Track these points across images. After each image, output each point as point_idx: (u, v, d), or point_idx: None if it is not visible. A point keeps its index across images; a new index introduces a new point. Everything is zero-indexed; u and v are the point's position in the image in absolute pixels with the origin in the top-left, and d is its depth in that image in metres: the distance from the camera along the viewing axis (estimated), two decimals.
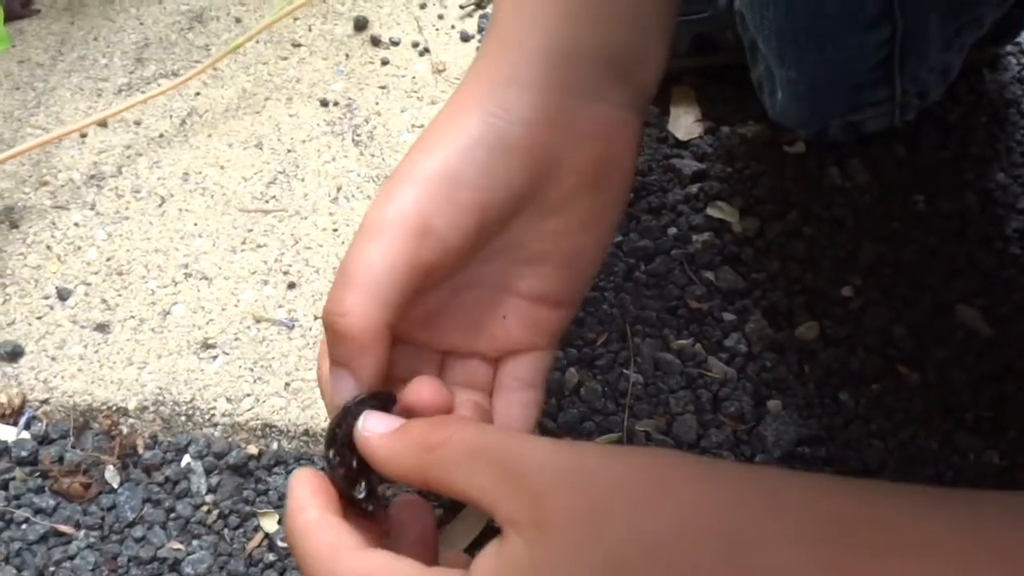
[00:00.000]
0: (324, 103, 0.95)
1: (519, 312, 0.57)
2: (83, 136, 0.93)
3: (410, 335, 0.56)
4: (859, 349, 0.77)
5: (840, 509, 0.38)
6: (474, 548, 0.67)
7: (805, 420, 0.74)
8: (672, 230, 0.84)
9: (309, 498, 0.48)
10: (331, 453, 0.50)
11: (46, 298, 0.82)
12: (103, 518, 0.71)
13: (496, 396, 0.59)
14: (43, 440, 0.75)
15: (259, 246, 0.85)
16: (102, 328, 0.80)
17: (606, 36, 0.54)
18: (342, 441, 0.49)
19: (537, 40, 0.53)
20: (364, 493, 0.49)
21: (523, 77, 0.52)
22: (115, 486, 0.73)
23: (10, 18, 1.01)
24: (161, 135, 0.93)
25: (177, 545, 0.70)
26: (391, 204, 0.50)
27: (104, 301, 0.82)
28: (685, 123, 0.92)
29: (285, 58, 0.99)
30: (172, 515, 0.71)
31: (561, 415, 0.74)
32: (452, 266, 0.52)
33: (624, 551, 0.39)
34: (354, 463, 0.49)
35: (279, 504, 0.71)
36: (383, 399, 0.51)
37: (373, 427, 0.48)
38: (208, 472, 0.73)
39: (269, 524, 0.71)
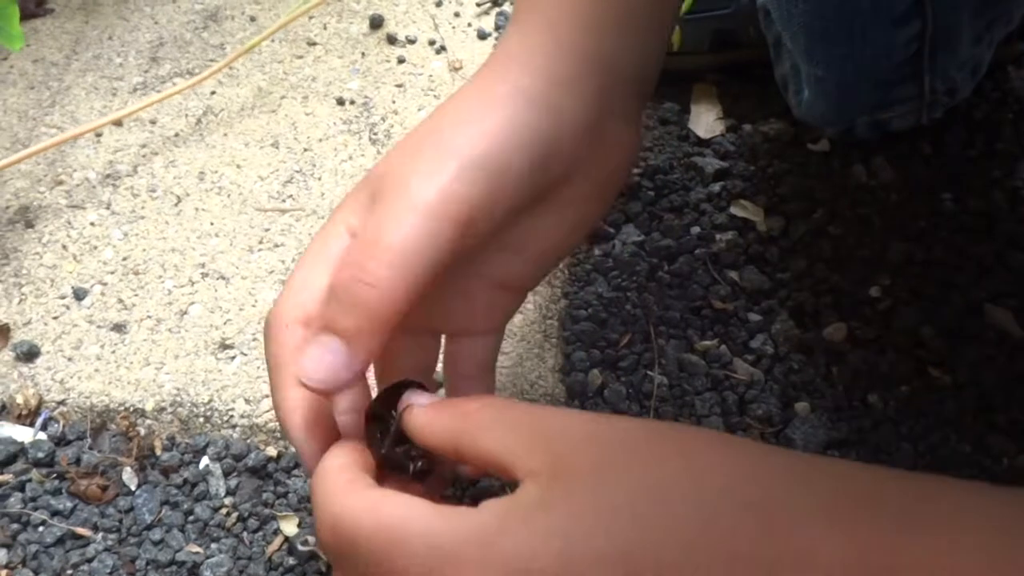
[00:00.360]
0: (340, 102, 0.94)
1: (481, 296, 0.56)
2: (98, 135, 0.92)
3: None
4: (888, 350, 0.76)
5: (868, 485, 0.38)
6: None
7: (834, 423, 0.73)
8: (695, 229, 0.83)
9: (341, 454, 0.47)
10: (371, 428, 0.49)
11: (62, 298, 0.81)
12: (121, 520, 0.70)
13: (457, 380, 0.58)
14: (60, 441, 0.74)
15: (276, 246, 0.84)
16: (119, 328, 0.79)
17: (640, 56, 0.54)
18: (380, 415, 0.49)
19: (592, 48, 0.52)
20: (404, 457, 0.49)
21: (580, 88, 0.51)
22: (133, 488, 0.72)
23: (24, 17, 1.00)
24: (177, 134, 0.92)
25: (196, 548, 0.69)
26: (440, 182, 0.47)
27: (121, 301, 0.81)
28: (706, 121, 0.91)
29: (300, 56, 0.98)
30: (190, 518, 0.70)
31: None
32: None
33: (636, 498, 0.38)
34: (393, 435, 0.49)
35: (299, 507, 0.70)
36: (420, 387, 0.51)
37: (417, 400, 0.48)
38: (227, 474, 0.72)
39: (289, 527, 0.69)
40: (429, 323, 0.56)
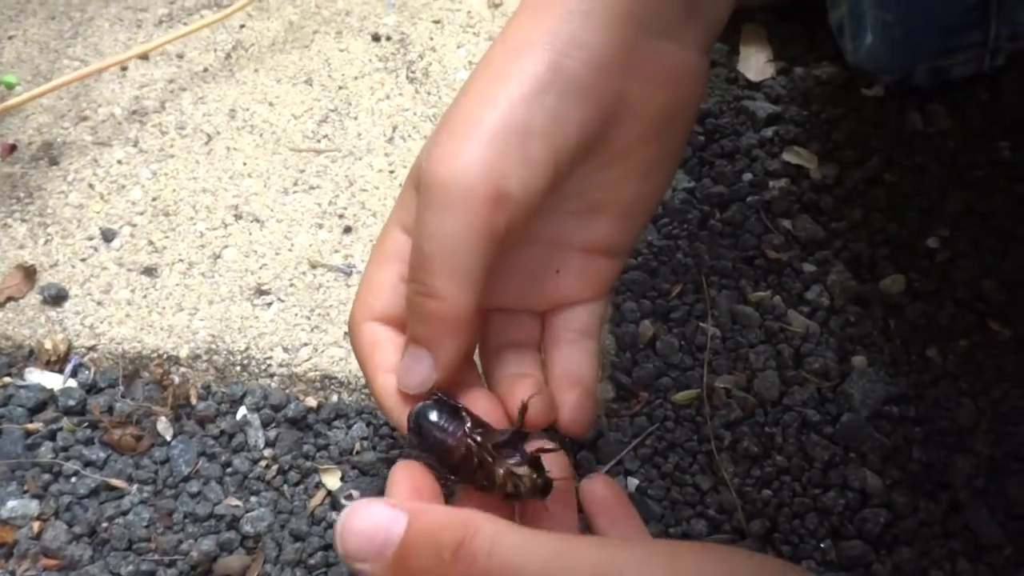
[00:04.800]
0: (376, 37, 0.90)
1: (573, 266, 0.54)
2: (123, 69, 0.89)
3: None
4: (947, 303, 0.73)
5: None
6: None
7: (892, 378, 0.70)
8: (747, 176, 0.80)
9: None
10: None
11: (90, 239, 0.78)
12: (156, 472, 0.68)
13: (552, 349, 0.55)
14: (91, 389, 0.72)
15: (312, 187, 0.81)
16: (149, 271, 0.76)
17: None
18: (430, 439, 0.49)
19: None
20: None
21: (597, 11, 0.47)
22: (168, 438, 0.69)
23: None
24: (205, 69, 0.89)
25: (235, 502, 0.67)
26: (459, 165, 0.46)
27: (151, 243, 0.78)
28: (756, 63, 0.87)
29: None
30: (229, 470, 0.68)
31: (636, 369, 0.71)
32: (525, 226, 0.49)
33: None
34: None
35: (340, 460, 0.68)
36: (452, 408, 0.49)
37: (352, 531, 0.41)
38: (265, 425, 0.70)
39: (331, 481, 0.67)
40: (524, 303, 0.55)
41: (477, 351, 0.57)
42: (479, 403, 0.51)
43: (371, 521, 0.40)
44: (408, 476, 0.47)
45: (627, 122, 0.49)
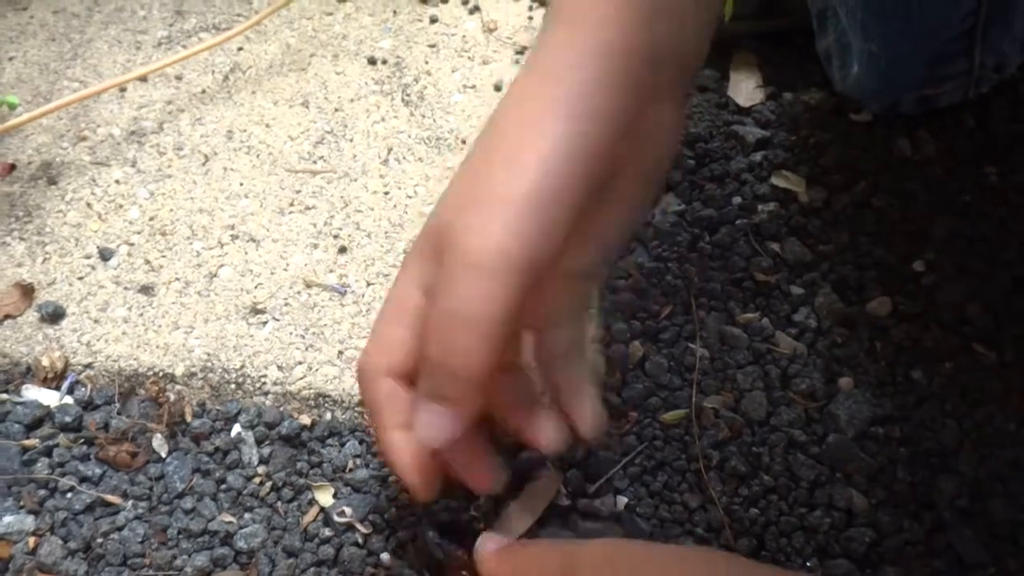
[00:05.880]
0: (372, 61, 0.92)
1: (564, 290, 0.56)
2: (122, 90, 0.90)
3: None
4: (932, 326, 0.74)
5: None
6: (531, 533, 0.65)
7: (878, 399, 0.71)
8: (736, 199, 0.81)
9: None
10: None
11: (87, 258, 0.79)
12: (151, 488, 0.69)
13: (551, 368, 0.59)
14: (87, 406, 0.72)
15: (308, 208, 0.82)
16: (146, 290, 0.77)
17: (681, 37, 0.52)
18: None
19: (624, 41, 0.50)
20: None
21: (614, 83, 0.50)
22: (163, 455, 0.70)
23: None
24: (203, 91, 0.90)
25: (229, 518, 0.67)
26: (493, 236, 0.48)
27: (148, 262, 0.79)
28: (746, 88, 0.89)
29: (330, 13, 0.96)
30: (223, 486, 0.69)
31: (626, 390, 0.72)
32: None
33: None
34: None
35: (333, 477, 0.69)
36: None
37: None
38: (259, 442, 0.71)
39: (324, 498, 0.68)
40: (521, 324, 0.58)
41: None
42: (547, 429, 0.58)
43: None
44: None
45: (625, 176, 0.52)
